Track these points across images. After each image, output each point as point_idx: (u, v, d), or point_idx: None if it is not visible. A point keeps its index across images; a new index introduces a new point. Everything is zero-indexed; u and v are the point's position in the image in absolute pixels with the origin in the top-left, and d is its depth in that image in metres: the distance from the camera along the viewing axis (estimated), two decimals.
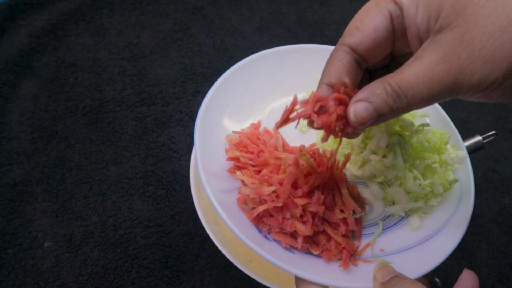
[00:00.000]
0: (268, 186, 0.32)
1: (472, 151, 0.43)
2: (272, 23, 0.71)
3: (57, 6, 0.69)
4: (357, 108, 0.26)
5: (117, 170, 0.54)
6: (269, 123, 0.40)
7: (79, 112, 0.58)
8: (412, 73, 0.24)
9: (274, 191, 0.32)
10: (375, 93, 0.25)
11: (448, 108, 0.64)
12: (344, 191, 0.35)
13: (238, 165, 0.36)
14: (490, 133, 0.44)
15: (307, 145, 0.38)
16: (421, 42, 0.25)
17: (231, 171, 0.36)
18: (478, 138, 0.43)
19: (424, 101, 0.24)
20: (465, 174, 0.40)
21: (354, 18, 0.27)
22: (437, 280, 0.48)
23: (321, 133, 0.40)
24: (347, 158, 0.36)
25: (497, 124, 0.63)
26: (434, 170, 0.39)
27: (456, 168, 0.40)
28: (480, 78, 0.22)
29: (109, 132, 0.57)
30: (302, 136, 0.41)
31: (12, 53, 0.63)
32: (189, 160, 0.42)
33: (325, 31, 0.70)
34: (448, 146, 0.41)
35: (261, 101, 0.41)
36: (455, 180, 0.39)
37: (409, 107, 0.25)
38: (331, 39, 0.70)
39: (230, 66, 0.66)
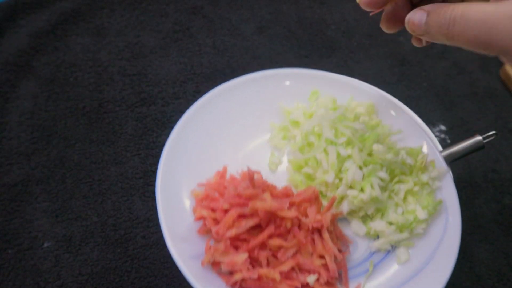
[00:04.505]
0: (240, 253, 0.30)
1: (472, 151, 0.43)
2: (272, 23, 0.71)
3: (57, 6, 0.69)
4: (414, 14, 0.27)
5: (117, 170, 0.54)
6: (234, 167, 0.36)
7: (79, 112, 0.58)
8: (484, 11, 0.23)
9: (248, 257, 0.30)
10: (438, 11, 0.26)
11: (448, 107, 0.65)
12: (325, 235, 0.33)
13: (206, 229, 0.33)
14: (490, 133, 0.44)
15: (278, 184, 0.35)
16: None
17: (201, 232, 0.33)
18: (478, 138, 0.43)
19: (472, 44, 0.24)
20: (448, 190, 0.38)
21: None
22: None
23: (290, 172, 0.37)
24: (332, 201, 0.34)
25: (497, 124, 0.63)
26: (415, 193, 0.37)
27: (438, 186, 0.38)
28: None
29: (109, 132, 0.57)
30: (272, 175, 0.37)
31: (12, 53, 0.63)
32: None
33: (325, 31, 0.70)
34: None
35: (224, 144, 0.37)
36: (439, 202, 0.37)
37: (456, 39, 0.25)
38: (331, 39, 0.70)
39: (230, 66, 0.66)
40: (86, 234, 0.49)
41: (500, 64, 0.70)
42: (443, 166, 0.38)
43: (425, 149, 0.39)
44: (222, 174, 0.36)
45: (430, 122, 0.60)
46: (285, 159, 0.37)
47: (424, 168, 0.38)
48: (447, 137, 0.60)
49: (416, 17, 0.27)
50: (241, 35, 0.68)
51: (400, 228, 0.36)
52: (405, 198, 0.37)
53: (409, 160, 0.37)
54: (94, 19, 0.68)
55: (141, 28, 0.68)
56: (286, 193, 0.34)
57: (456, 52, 0.71)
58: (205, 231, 0.33)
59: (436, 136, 0.47)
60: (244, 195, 0.32)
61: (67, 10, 0.68)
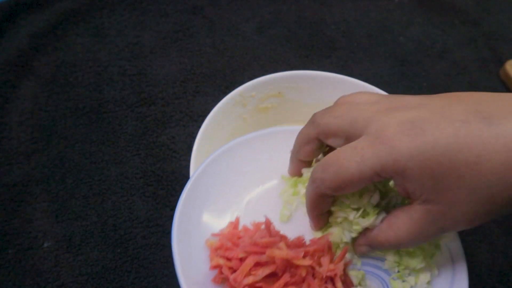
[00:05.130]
0: None
1: None
2: (272, 23, 0.71)
3: (57, 6, 0.69)
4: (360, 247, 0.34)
5: (117, 170, 0.54)
6: (247, 219, 0.36)
7: (79, 112, 0.58)
8: (406, 230, 0.30)
9: None
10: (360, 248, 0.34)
11: None
12: (339, 284, 0.33)
13: (222, 277, 0.33)
14: None
15: (289, 235, 0.35)
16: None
17: (216, 281, 0.33)
18: None
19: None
20: (453, 243, 0.37)
21: (332, 176, 0.29)
22: None
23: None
24: (344, 252, 0.34)
25: None
26: (421, 248, 0.36)
27: (441, 236, 0.37)
28: (464, 227, 0.30)
29: (109, 132, 0.57)
30: (283, 226, 0.38)
31: (12, 53, 0.63)
32: (189, 160, 0.42)
33: (325, 31, 0.70)
34: None
35: (236, 194, 0.38)
36: (438, 245, 0.36)
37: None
38: (331, 39, 0.70)
39: (230, 66, 0.66)
40: (86, 234, 0.49)
41: (500, 64, 0.70)
42: None
43: None
44: (235, 225, 0.36)
45: None
46: (296, 211, 0.38)
47: None
48: None
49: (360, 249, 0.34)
50: (241, 35, 0.68)
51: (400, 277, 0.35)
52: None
53: None
54: (94, 19, 0.68)
55: (141, 28, 0.68)
56: (299, 244, 0.34)
57: (456, 52, 0.71)
58: (220, 280, 0.33)
59: None
60: (261, 243, 0.32)
61: (67, 10, 0.68)
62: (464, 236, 0.52)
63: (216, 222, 0.37)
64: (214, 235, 0.35)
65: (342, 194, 0.31)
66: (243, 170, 0.39)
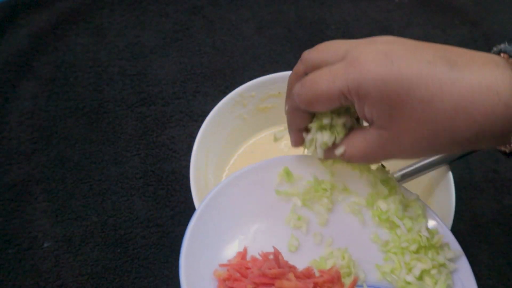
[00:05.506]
0: None
1: (472, 151, 0.43)
2: (272, 23, 0.71)
3: (57, 6, 0.69)
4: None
5: (117, 170, 0.54)
6: (255, 248, 0.36)
7: (79, 112, 0.58)
8: (358, 150, 0.33)
9: None
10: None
11: None
12: None
13: None
14: None
15: (299, 266, 0.35)
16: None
17: None
18: None
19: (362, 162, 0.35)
20: (465, 274, 0.37)
21: (307, 90, 0.32)
22: None
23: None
24: (354, 283, 0.34)
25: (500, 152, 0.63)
26: (433, 277, 0.36)
27: (454, 268, 0.37)
28: (408, 157, 0.33)
29: (109, 132, 0.57)
30: (292, 256, 0.37)
31: (12, 53, 0.63)
32: (189, 160, 0.42)
33: (325, 31, 0.70)
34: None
35: (243, 224, 0.38)
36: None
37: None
38: (331, 39, 0.69)
39: (230, 66, 0.66)
40: (86, 234, 0.49)
41: None
42: (457, 248, 0.38)
43: (440, 229, 0.39)
44: (243, 255, 0.36)
45: None
46: (304, 241, 0.38)
47: (440, 249, 0.37)
48: None
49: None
50: (241, 35, 0.68)
51: None
52: (420, 278, 0.36)
53: (425, 233, 0.37)
54: (94, 19, 0.68)
55: (141, 28, 0.68)
56: (308, 274, 0.34)
57: None
58: None
59: None
60: (270, 274, 0.32)
61: (67, 10, 0.68)
62: (464, 236, 0.52)
63: (224, 252, 0.36)
64: (222, 265, 0.35)
65: (313, 110, 0.33)
66: (249, 200, 0.39)
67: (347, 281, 0.35)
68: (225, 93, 0.47)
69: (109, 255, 0.48)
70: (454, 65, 0.28)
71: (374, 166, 0.39)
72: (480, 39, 0.72)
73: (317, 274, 0.35)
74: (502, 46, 0.30)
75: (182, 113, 0.59)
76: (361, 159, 0.33)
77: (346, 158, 0.34)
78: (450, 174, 0.42)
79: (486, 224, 0.53)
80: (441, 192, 0.43)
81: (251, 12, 0.72)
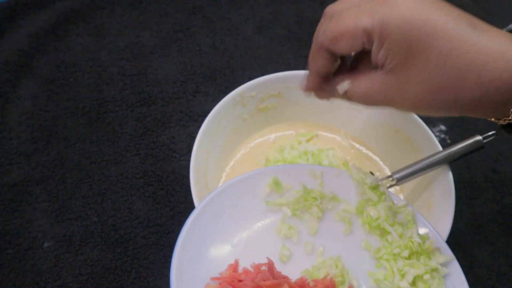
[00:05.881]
0: None
1: (472, 151, 0.43)
2: (272, 23, 0.71)
3: (57, 6, 0.69)
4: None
5: (117, 170, 0.54)
6: (246, 260, 0.36)
7: (79, 112, 0.58)
8: (362, 89, 0.33)
9: None
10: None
11: None
12: None
13: None
14: (490, 133, 0.43)
15: (291, 276, 0.35)
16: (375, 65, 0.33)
17: None
18: (478, 138, 0.43)
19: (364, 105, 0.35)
20: (457, 278, 0.36)
21: (333, 25, 0.32)
22: None
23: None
24: None
25: (497, 124, 0.63)
26: (426, 282, 0.36)
27: (446, 273, 0.37)
28: (407, 108, 0.33)
29: (109, 132, 0.57)
30: (284, 267, 0.37)
31: (12, 53, 0.63)
32: (189, 160, 0.42)
33: None
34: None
35: (233, 235, 0.38)
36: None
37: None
38: None
39: (230, 66, 0.66)
40: (86, 234, 0.49)
41: None
42: (449, 252, 0.38)
43: (431, 234, 0.39)
44: (234, 268, 0.36)
45: (430, 122, 0.60)
46: (295, 251, 0.38)
47: (431, 254, 0.37)
48: (447, 137, 0.60)
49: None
50: (241, 35, 0.68)
51: None
52: (413, 283, 0.36)
53: (417, 239, 0.37)
54: (94, 19, 0.68)
55: (141, 28, 0.68)
56: (302, 285, 0.34)
57: None
58: None
59: (436, 136, 0.47)
60: (265, 286, 0.32)
61: (67, 10, 0.68)
62: (464, 236, 0.52)
63: (215, 264, 0.36)
64: (213, 279, 0.35)
65: (336, 49, 0.33)
66: (239, 211, 0.39)
67: None
68: (225, 93, 0.47)
69: (109, 255, 0.48)
70: (476, 28, 0.29)
71: (363, 174, 0.39)
72: None
73: (311, 284, 0.35)
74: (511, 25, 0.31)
75: (182, 113, 0.59)
76: (361, 100, 0.34)
77: (348, 96, 0.34)
78: (450, 174, 0.42)
79: (486, 224, 0.53)
80: (441, 192, 0.43)
81: (251, 12, 0.72)
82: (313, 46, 0.35)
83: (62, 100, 0.59)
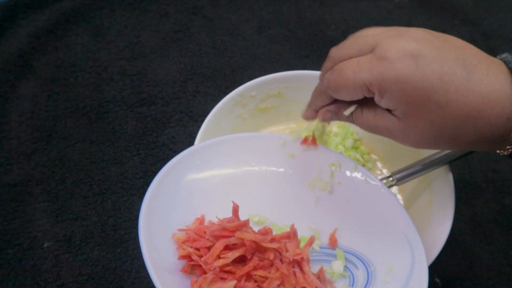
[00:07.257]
0: (228, 282, 0.32)
1: (472, 151, 0.43)
2: (272, 23, 0.71)
3: (57, 6, 0.69)
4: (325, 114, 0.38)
5: (117, 170, 0.54)
6: (212, 215, 0.38)
7: (79, 112, 0.58)
8: (368, 119, 0.35)
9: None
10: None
11: None
12: (306, 269, 0.34)
13: (191, 264, 0.34)
14: None
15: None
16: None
17: (185, 271, 0.34)
18: None
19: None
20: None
21: (335, 77, 0.34)
22: (437, 280, 0.48)
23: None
24: (311, 240, 0.36)
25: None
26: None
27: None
28: (409, 145, 0.35)
29: (109, 132, 0.57)
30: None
31: (12, 53, 0.63)
32: None
33: (325, 31, 0.70)
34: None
35: (202, 194, 0.39)
36: None
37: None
38: (331, 39, 0.70)
39: (230, 66, 0.66)
40: (86, 234, 0.49)
41: None
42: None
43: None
44: (201, 221, 0.37)
45: None
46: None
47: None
48: None
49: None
50: (241, 35, 0.68)
51: None
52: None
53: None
54: (94, 19, 0.68)
55: (141, 28, 0.68)
56: (265, 232, 0.36)
57: None
58: (189, 269, 0.34)
59: None
60: (230, 227, 0.34)
61: (67, 10, 0.68)
62: (464, 236, 0.52)
63: (182, 219, 0.37)
64: (180, 230, 0.36)
65: (337, 97, 0.35)
66: (210, 171, 0.40)
67: (303, 242, 0.36)
68: (225, 93, 0.47)
69: (109, 255, 0.48)
70: (472, 73, 0.30)
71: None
72: (480, 39, 0.72)
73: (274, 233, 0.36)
74: (504, 55, 0.32)
75: (182, 113, 0.59)
76: (365, 127, 0.36)
77: (353, 119, 0.36)
78: (450, 174, 0.42)
79: (486, 224, 0.53)
80: (441, 192, 0.43)
81: (251, 12, 0.72)
82: (316, 88, 0.38)
83: (62, 100, 0.59)
